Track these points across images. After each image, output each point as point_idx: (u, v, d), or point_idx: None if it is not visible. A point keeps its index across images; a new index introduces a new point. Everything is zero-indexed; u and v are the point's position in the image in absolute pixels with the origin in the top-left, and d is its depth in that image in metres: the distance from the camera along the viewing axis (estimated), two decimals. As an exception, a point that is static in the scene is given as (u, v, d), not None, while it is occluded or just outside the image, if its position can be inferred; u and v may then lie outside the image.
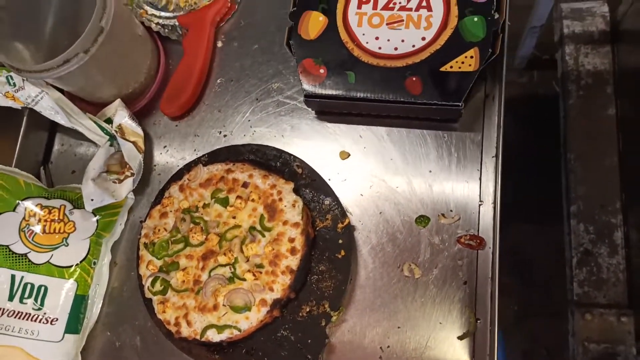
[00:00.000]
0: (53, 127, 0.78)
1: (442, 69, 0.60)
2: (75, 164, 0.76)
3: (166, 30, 0.75)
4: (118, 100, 0.71)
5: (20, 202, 0.67)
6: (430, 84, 0.60)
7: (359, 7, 0.65)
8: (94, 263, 0.67)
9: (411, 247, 0.63)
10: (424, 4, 0.63)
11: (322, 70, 0.64)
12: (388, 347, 0.60)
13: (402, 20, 0.63)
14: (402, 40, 0.62)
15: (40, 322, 0.64)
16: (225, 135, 0.72)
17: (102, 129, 0.70)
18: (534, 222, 1.44)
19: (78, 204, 0.68)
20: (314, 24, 0.65)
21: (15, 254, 0.65)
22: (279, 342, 0.60)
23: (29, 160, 0.74)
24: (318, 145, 0.69)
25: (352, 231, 0.64)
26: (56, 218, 0.67)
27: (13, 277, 0.64)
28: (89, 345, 0.68)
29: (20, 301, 0.64)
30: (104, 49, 0.62)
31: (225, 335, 0.60)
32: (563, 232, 1.34)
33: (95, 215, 0.68)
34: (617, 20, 1.38)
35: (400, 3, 0.64)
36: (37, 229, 0.66)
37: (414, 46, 0.62)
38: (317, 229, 0.63)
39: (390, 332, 0.61)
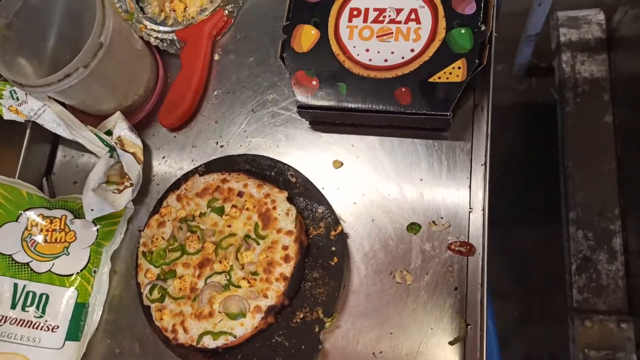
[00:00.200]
0: (55, 139, 0.80)
1: (431, 79, 0.62)
2: (76, 175, 0.78)
3: (165, 44, 0.78)
4: (118, 113, 0.73)
5: (22, 212, 0.69)
6: (419, 94, 0.62)
7: (350, 20, 0.66)
8: (94, 271, 0.69)
9: (403, 254, 0.64)
10: (412, 16, 0.65)
11: (314, 82, 0.65)
12: (381, 352, 0.61)
13: (392, 33, 0.65)
14: (392, 52, 0.64)
15: (41, 329, 0.66)
16: (222, 146, 0.74)
17: (102, 140, 0.72)
18: (534, 229, 1.44)
19: (79, 213, 0.70)
20: (306, 37, 0.67)
21: (18, 263, 0.67)
22: (273, 348, 0.62)
23: (32, 171, 0.76)
24: (312, 155, 0.70)
25: (345, 239, 0.65)
26: (57, 228, 0.69)
27: (15, 285, 0.66)
28: (89, 352, 0.69)
29: (23, 309, 0.66)
30: (103, 64, 0.64)
31: (221, 342, 0.61)
32: (562, 239, 1.34)
33: (96, 225, 0.69)
34: (613, 28, 1.40)
35: (389, 16, 0.65)
36: (39, 238, 0.68)
37: (403, 58, 0.64)
38: (311, 236, 0.65)
39: (382, 337, 0.62)
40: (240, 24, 0.78)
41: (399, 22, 0.65)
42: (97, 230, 0.69)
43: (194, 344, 0.61)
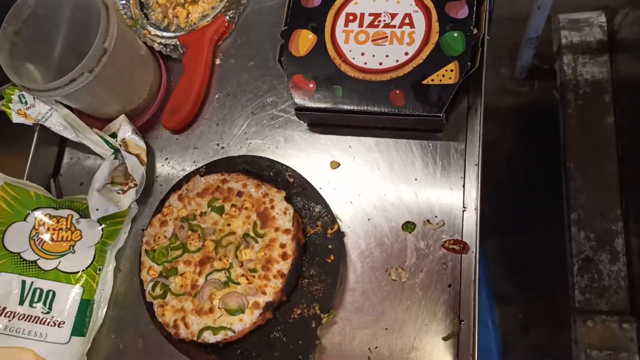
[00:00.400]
0: (63, 142, 0.83)
1: (424, 82, 0.64)
2: (83, 176, 0.80)
3: (168, 49, 0.80)
4: (122, 116, 0.75)
5: (30, 212, 0.71)
6: (412, 96, 0.64)
7: (346, 25, 0.68)
8: (99, 269, 0.71)
9: (398, 251, 0.66)
10: (407, 21, 0.66)
11: (311, 85, 0.67)
12: (376, 347, 0.63)
13: (387, 37, 0.66)
14: (387, 56, 0.66)
15: (48, 325, 0.68)
16: (222, 147, 0.76)
17: (107, 142, 0.74)
18: (536, 230, 1.45)
19: (84, 213, 0.72)
20: (303, 41, 0.69)
21: (26, 260, 0.69)
22: (271, 343, 0.63)
23: (40, 173, 0.79)
24: (310, 156, 0.72)
25: (342, 237, 0.67)
26: (64, 227, 0.71)
27: (24, 282, 0.69)
28: (94, 347, 0.71)
29: (30, 305, 0.68)
30: (107, 69, 0.67)
31: (220, 337, 0.63)
32: (564, 240, 1.35)
33: (101, 224, 0.72)
34: (614, 30, 1.40)
35: (384, 20, 0.67)
36: (46, 237, 0.70)
37: (397, 61, 0.65)
38: (308, 235, 0.66)
39: (378, 333, 0.63)
40: (241, 29, 0.81)
41: (394, 27, 0.67)
42: (102, 229, 0.72)
43: (195, 338, 0.63)
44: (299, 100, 0.68)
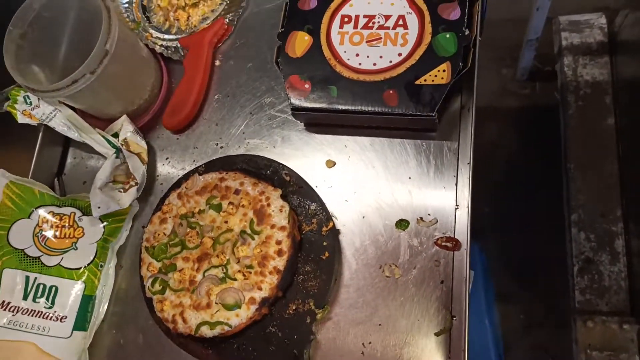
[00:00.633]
0: (67, 142, 0.85)
1: (417, 82, 0.65)
2: (86, 175, 0.82)
3: (169, 51, 0.82)
4: (124, 116, 0.77)
5: (34, 209, 0.73)
6: (405, 96, 0.65)
7: (341, 26, 0.70)
8: (101, 266, 0.73)
9: (392, 249, 0.67)
10: (400, 22, 0.68)
11: (307, 85, 0.69)
12: (370, 343, 0.64)
13: (381, 38, 0.68)
14: (381, 57, 0.67)
15: (51, 319, 0.70)
16: (221, 147, 0.77)
17: (109, 142, 0.76)
18: (536, 231, 1.45)
19: (87, 211, 0.74)
20: (300, 43, 0.71)
21: (30, 257, 0.71)
22: (267, 338, 0.65)
23: (44, 172, 0.81)
24: (306, 155, 0.73)
25: (337, 234, 0.68)
26: (67, 224, 0.73)
27: (27, 278, 0.71)
28: (95, 342, 0.73)
29: (34, 300, 0.70)
30: (109, 70, 0.69)
31: (217, 331, 0.64)
32: (565, 241, 1.35)
33: (103, 222, 0.74)
34: (614, 31, 1.41)
35: (379, 22, 0.69)
36: (50, 234, 0.72)
37: (391, 62, 0.67)
38: (303, 232, 0.68)
39: (372, 329, 0.64)
40: (240, 31, 0.83)
41: (388, 28, 0.68)
42: (104, 226, 0.73)
43: (192, 333, 0.65)
44: (295, 100, 0.69)
